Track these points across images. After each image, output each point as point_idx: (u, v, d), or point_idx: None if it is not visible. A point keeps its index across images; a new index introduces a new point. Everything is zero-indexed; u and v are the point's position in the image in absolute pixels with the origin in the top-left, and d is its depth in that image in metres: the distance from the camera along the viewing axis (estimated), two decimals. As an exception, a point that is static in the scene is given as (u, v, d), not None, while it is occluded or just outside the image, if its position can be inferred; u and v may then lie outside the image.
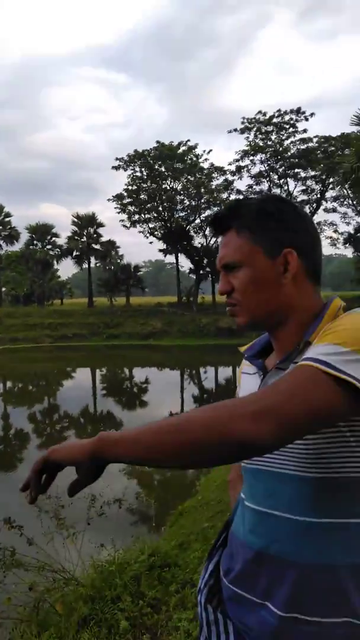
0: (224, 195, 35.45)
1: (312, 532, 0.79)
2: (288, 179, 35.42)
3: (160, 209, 36.70)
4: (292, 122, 33.42)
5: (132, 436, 0.70)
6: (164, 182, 36.42)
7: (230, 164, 35.32)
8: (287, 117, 33.35)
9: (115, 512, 3.49)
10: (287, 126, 33.60)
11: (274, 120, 33.49)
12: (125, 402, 15.61)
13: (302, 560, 0.79)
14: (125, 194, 36.56)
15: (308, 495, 0.79)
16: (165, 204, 36.26)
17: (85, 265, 40.66)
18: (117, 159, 36.11)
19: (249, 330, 0.95)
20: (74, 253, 39.51)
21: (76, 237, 39.36)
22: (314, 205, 35.50)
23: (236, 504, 1.02)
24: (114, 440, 0.71)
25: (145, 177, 36.22)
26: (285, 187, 35.49)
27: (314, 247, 0.90)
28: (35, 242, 40.11)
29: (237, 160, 34.92)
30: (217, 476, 6.45)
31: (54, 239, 40.33)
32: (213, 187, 35.35)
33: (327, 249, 37.85)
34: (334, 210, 35.20)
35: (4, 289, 42.89)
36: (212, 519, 4.22)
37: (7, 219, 39.85)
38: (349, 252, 41.37)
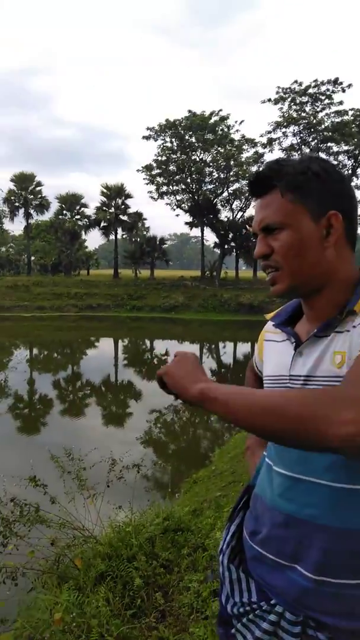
0: (254, 169, 34.55)
1: (345, 499, 0.80)
2: (320, 153, 34.16)
3: (189, 180, 36.15)
4: (328, 93, 31.98)
5: (229, 401, 0.74)
6: (193, 153, 35.71)
7: (261, 135, 34.37)
8: (323, 88, 31.93)
9: (133, 477, 3.63)
10: (323, 97, 32.19)
11: (310, 90, 32.11)
12: (145, 373, 15.87)
13: (334, 525, 0.81)
14: (155, 164, 36.09)
15: (343, 463, 0.79)
16: (193, 176, 35.68)
17: (112, 237, 40.75)
18: (147, 128, 35.54)
19: (286, 297, 0.93)
20: (102, 224, 39.55)
21: (104, 208, 39.31)
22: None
23: (258, 467, 1.04)
24: (213, 398, 0.76)
25: (175, 147, 35.56)
26: (318, 162, 34.26)
27: (355, 212, 0.89)
28: (64, 212, 40.28)
29: (269, 132, 33.88)
30: (231, 448, 6.58)
31: (82, 209, 40.48)
32: (243, 159, 34.46)
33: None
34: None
35: (33, 258, 43.52)
36: (224, 489, 4.35)
37: (38, 188, 40.12)
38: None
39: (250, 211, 39.89)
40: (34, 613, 2.45)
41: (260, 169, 0.92)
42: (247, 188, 0.99)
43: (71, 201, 39.80)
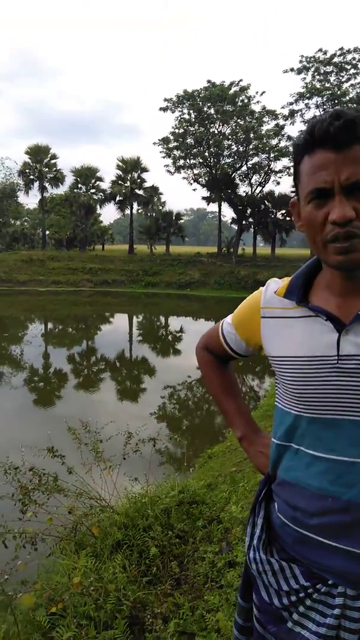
0: (274, 142, 33.62)
1: None
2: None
3: (207, 154, 35.32)
4: (354, 62, 30.62)
5: None
6: (212, 125, 34.78)
7: (283, 107, 33.20)
8: (349, 57, 30.56)
9: (149, 450, 3.68)
10: (349, 67, 30.84)
11: (335, 59, 30.80)
12: (159, 349, 15.96)
13: None
14: (172, 137, 35.33)
15: None
16: (212, 149, 34.83)
17: (127, 211, 40.39)
18: (165, 99, 34.64)
19: (357, 267, 0.83)
20: (117, 198, 39.18)
21: (120, 182, 38.87)
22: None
23: (276, 458, 0.99)
24: None
25: (193, 119, 34.69)
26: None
27: None
28: (79, 185, 39.96)
29: (291, 104, 32.75)
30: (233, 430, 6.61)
31: (98, 182, 40.03)
32: (263, 132, 33.48)
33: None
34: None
35: (47, 232, 43.54)
36: (239, 464, 4.38)
37: (53, 161, 39.80)
38: None
39: (270, 186, 39.04)
40: (53, 577, 2.53)
41: (338, 115, 0.77)
42: (304, 140, 0.81)
43: (86, 174, 39.40)
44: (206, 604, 2.24)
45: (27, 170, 39.39)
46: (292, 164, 0.89)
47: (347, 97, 31.26)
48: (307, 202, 0.83)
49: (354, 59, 30.54)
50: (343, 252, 0.79)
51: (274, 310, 0.96)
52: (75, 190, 40.13)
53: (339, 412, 0.85)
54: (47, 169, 39.64)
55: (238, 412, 1.21)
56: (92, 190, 40.14)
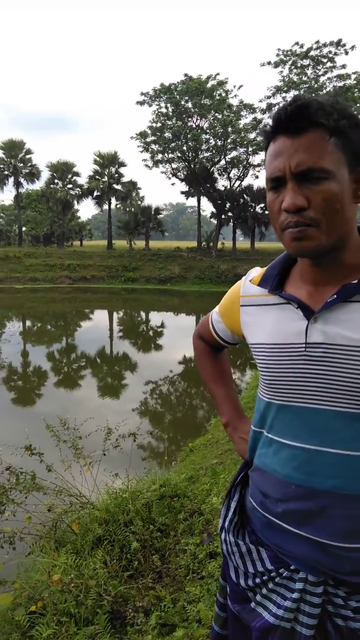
0: (252, 136, 33.72)
1: None
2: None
3: (185, 148, 35.20)
4: (330, 55, 30.90)
5: None
6: (189, 119, 34.68)
7: (260, 101, 33.31)
8: (325, 50, 30.81)
9: (130, 445, 3.66)
10: (325, 60, 31.11)
11: (311, 52, 31.01)
12: (140, 344, 15.91)
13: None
14: (149, 131, 35.08)
15: None
16: (190, 143, 34.72)
17: (105, 206, 40.04)
18: (142, 93, 34.34)
19: (314, 256, 0.82)
20: (95, 193, 38.77)
21: (97, 177, 38.44)
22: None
23: (252, 443, 1.01)
24: None
25: (171, 113, 34.50)
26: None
27: None
28: (56, 180, 39.36)
29: (269, 97, 32.87)
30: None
31: (75, 178, 39.52)
32: (241, 126, 33.55)
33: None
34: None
35: (24, 229, 42.83)
36: (220, 456, 4.41)
37: (28, 156, 39.02)
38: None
39: (248, 180, 39.15)
40: (32, 575, 2.49)
41: (295, 100, 0.76)
42: (268, 127, 0.79)
43: (63, 169, 38.83)
44: (187, 595, 2.24)
45: (1, 166, 38.56)
46: None
47: (324, 91, 31.53)
48: (268, 189, 0.82)
49: (329, 52, 30.82)
50: (296, 239, 0.79)
51: (251, 298, 0.97)
52: (51, 185, 39.51)
53: (305, 400, 0.85)
54: (22, 164, 38.86)
55: (226, 399, 1.23)
56: (69, 186, 39.62)
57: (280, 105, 0.78)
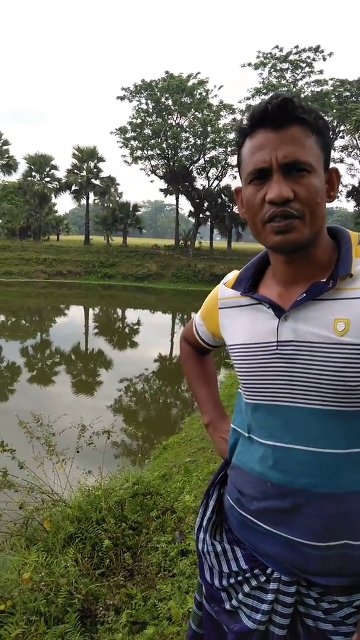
0: (230, 136, 33.92)
1: (343, 463, 0.79)
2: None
3: (164, 145, 35.12)
4: (309, 60, 31.38)
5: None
6: (169, 117, 34.60)
7: (240, 102, 33.58)
8: (304, 55, 31.30)
9: (104, 443, 3.64)
10: (304, 65, 31.59)
11: (291, 57, 31.41)
12: (116, 341, 15.81)
13: (332, 491, 0.80)
14: (129, 127, 34.82)
15: (338, 428, 0.79)
16: (169, 141, 34.66)
17: (83, 201, 39.53)
18: (123, 88, 34.06)
19: (298, 249, 0.82)
20: (73, 187, 38.22)
21: (76, 171, 37.89)
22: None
23: (231, 443, 1.01)
24: None
25: (151, 110, 34.34)
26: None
27: None
28: (33, 173, 38.60)
29: (248, 99, 33.14)
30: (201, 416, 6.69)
31: (53, 171, 38.83)
32: (220, 126, 33.71)
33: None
34: (341, 160, 33.98)
35: (-1, 221, 41.90)
36: (194, 455, 4.44)
37: (5, 147, 38.17)
38: (350, 205, 40.58)
39: (227, 180, 39.44)
40: (2, 573, 2.45)
41: (277, 96, 0.77)
42: (244, 122, 0.81)
43: (40, 162, 38.11)
44: (158, 593, 2.26)
45: (-24, 156, 37.62)
46: None
47: (302, 95, 32.01)
48: (247, 183, 0.82)
49: (308, 57, 31.29)
50: (280, 232, 0.79)
51: (227, 300, 0.99)
52: (29, 178, 38.73)
53: (278, 398, 0.86)
54: (-2, 155, 38.02)
55: (208, 399, 1.25)
56: (47, 179, 38.93)
57: (259, 103, 0.80)
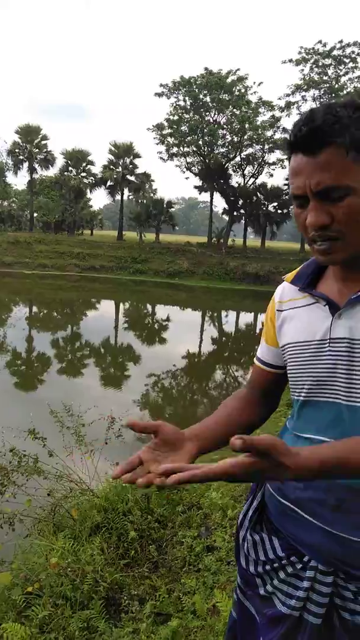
0: (269, 133, 33.49)
1: None
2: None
3: (200, 142, 35.00)
4: (353, 55, 30.55)
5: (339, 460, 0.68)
6: (207, 113, 34.46)
7: (279, 98, 33.00)
8: (348, 50, 30.49)
9: (132, 436, 3.68)
10: (347, 60, 30.78)
11: (334, 52, 30.67)
12: (145, 337, 15.93)
13: None
14: (166, 124, 34.89)
15: None
16: (205, 138, 34.49)
17: (118, 197, 39.97)
18: (161, 85, 34.13)
19: (342, 264, 0.84)
20: (108, 183, 38.69)
21: (111, 167, 38.34)
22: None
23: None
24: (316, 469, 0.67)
25: (189, 107, 34.28)
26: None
27: None
28: (70, 168, 39.30)
29: (288, 95, 32.60)
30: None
31: (89, 166, 39.44)
32: (258, 123, 33.29)
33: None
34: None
35: (35, 215, 42.83)
36: (221, 452, 4.42)
37: (43, 142, 38.95)
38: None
39: (263, 178, 38.90)
40: (30, 557, 2.52)
41: (309, 119, 0.75)
42: (287, 142, 0.80)
43: (77, 157, 38.74)
44: (183, 587, 2.26)
45: (16, 150, 38.50)
46: (285, 156, 0.88)
47: (345, 91, 31.21)
48: (294, 201, 0.84)
49: (352, 52, 30.47)
50: (322, 253, 0.82)
51: (285, 303, 0.99)
52: (65, 173, 39.46)
53: (327, 394, 0.87)
54: (37, 150, 38.81)
55: (207, 423, 0.96)
56: (83, 174, 39.56)
57: (299, 119, 0.78)
